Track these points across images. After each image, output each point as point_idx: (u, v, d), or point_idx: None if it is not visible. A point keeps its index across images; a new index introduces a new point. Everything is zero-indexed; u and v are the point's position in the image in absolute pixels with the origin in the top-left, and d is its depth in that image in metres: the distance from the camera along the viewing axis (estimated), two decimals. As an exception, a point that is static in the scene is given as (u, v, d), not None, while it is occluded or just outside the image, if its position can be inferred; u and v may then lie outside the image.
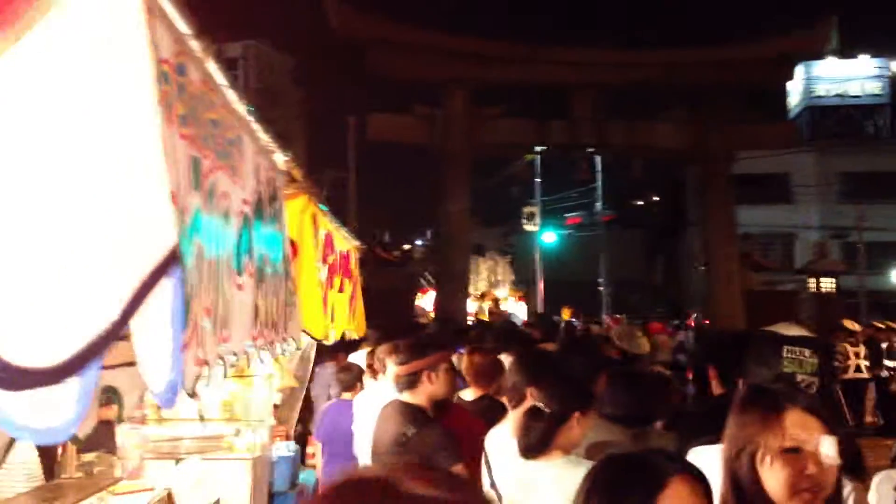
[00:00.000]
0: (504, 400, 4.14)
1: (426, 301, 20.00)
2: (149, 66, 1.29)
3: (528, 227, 29.11)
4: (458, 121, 15.24)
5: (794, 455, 1.71)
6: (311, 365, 6.65)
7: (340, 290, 5.73)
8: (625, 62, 15.84)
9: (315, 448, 6.70)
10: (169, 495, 3.92)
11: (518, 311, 24.42)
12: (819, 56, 35.61)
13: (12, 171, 0.95)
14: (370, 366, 6.17)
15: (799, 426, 1.73)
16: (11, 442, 1.04)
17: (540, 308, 27.41)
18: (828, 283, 20.58)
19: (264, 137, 2.60)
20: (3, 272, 0.92)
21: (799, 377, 2.61)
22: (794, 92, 40.12)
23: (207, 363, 1.72)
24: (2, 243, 0.92)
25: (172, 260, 1.29)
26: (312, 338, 4.64)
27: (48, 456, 3.42)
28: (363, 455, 4.57)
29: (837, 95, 40.22)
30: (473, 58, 15.12)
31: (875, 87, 40.11)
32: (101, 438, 3.84)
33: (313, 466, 6.57)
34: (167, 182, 1.34)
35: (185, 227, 1.52)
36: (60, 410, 0.99)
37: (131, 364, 1.33)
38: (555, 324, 16.64)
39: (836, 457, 1.70)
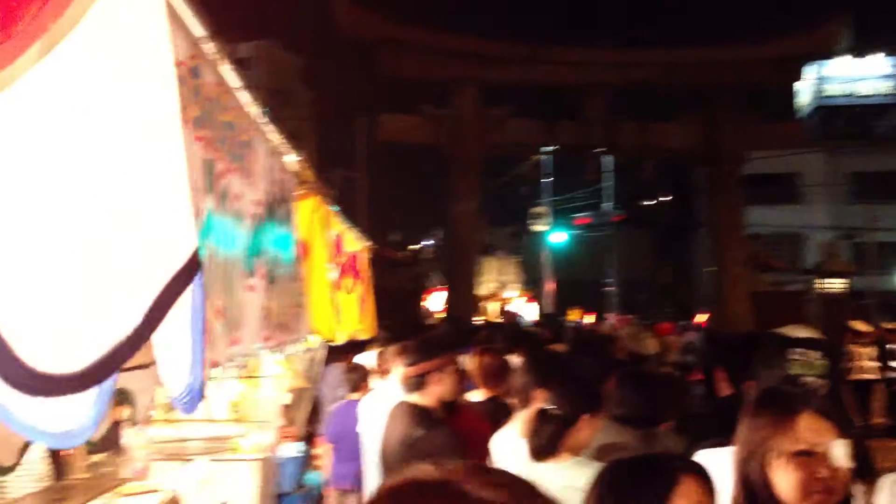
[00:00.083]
0: (511, 401, 4.15)
1: (433, 302, 20.01)
2: (172, 70, 1.30)
3: (537, 228, 29.07)
4: (466, 121, 15.24)
5: (805, 458, 1.71)
6: (322, 365, 6.66)
7: (350, 291, 5.74)
8: (634, 62, 15.82)
9: (323, 449, 6.71)
10: (175, 496, 3.93)
11: (529, 311, 24.41)
12: (830, 55, 35.47)
13: (41, 179, 0.96)
14: (380, 366, 6.17)
15: (811, 429, 1.73)
16: (26, 444, 1.05)
17: (549, 308, 27.38)
18: (837, 284, 20.49)
19: (277, 139, 2.61)
20: (28, 279, 0.92)
21: (806, 379, 2.60)
22: (805, 91, 39.97)
23: (218, 365, 1.72)
24: (28, 250, 0.93)
25: (193, 265, 1.30)
26: (322, 339, 4.65)
27: (56, 456, 3.43)
28: (370, 456, 4.57)
29: (848, 95, 40.06)
30: (482, 58, 15.13)
31: (886, 87, 39.94)
32: (109, 439, 3.85)
33: (320, 467, 6.58)
34: (188, 187, 1.35)
35: (198, 229, 1.53)
36: (78, 414, 1.00)
37: (143, 367, 1.34)
38: (561, 325, 16.62)
39: (848, 460, 1.70)
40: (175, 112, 1.32)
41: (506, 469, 0.99)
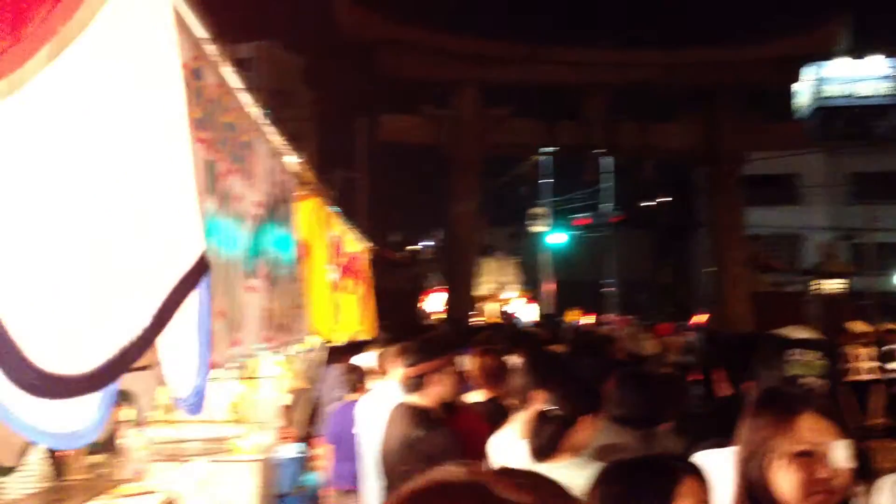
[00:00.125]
0: (510, 402, 4.14)
1: (432, 303, 20.00)
2: (179, 72, 1.31)
3: (537, 228, 29.07)
4: (467, 121, 15.24)
5: (807, 458, 1.71)
6: (321, 366, 6.65)
7: (350, 292, 5.74)
8: (634, 62, 15.82)
9: (322, 450, 6.71)
10: (174, 497, 3.92)
11: (528, 312, 24.41)
12: (829, 56, 35.49)
13: (51, 181, 0.96)
14: (380, 367, 6.16)
15: (812, 429, 1.73)
16: (27, 445, 1.05)
17: (549, 309, 27.38)
18: (836, 285, 20.50)
19: (277, 140, 2.61)
20: (37, 281, 0.93)
21: (805, 379, 2.60)
22: (804, 92, 39.97)
23: (220, 366, 1.72)
24: (37, 252, 0.93)
25: (201, 267, 1.31)
26: (321, 340, 4.65)
27: (55, 457, 3.43)
28: (368, 457, 4.56)
29: (847, 96, 40.07)
30: (482, 58, 15.13)
31: (886, 88, 39.94)
32: (108, 440, 3.85)
33: (318, 468, 6.57)
34: (194, 189, 1.35)
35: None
36: (82, 416, 1.00)
37: (145, 368, 1.34)
38: (559, 325, 16.62)
39: (849, 460, 1.70)
40: (182, 114, 1.32)
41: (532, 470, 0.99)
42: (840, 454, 1.70)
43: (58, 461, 3.45)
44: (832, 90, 40.21)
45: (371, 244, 7.55)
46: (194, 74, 1.60)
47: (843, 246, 31.13)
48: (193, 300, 1.31)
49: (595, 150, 17.12)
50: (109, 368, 1.02)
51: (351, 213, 7.11)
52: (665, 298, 43.62)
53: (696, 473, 1.62)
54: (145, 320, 1.13)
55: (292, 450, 5.54)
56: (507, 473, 0.89)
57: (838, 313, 17.81)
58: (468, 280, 16.02)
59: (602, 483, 1.64)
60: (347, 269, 5.58)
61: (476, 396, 4.85)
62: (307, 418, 6.79)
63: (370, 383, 6.10)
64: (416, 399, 3.96)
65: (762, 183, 30.73)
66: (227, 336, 1.87)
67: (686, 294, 41.06)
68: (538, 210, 29.07)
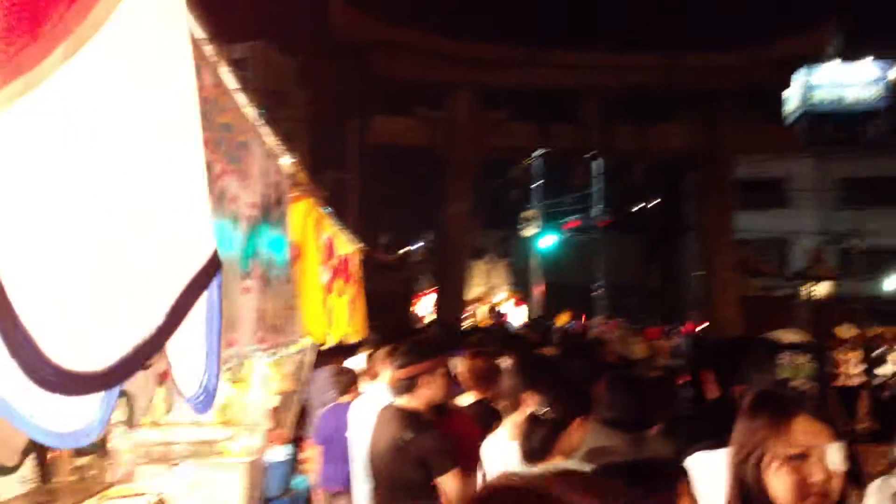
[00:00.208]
0: (500, 405, 4.14)
1: (423, 305, 19.99)
2: (192, 71, 1.30)
3: (527, 231, 29.10)
4: (461, 124, 15.25)
5: (800, 461, 1.71)
6: (310, 369, 6.64)
7: (341, 294, 5.73)
8: (626, 66, 15.87)
9: (310, 452, 6.69)
10: (162, 500, 3.90)
11: (518, 314, 24.43)
12: (819, 60, 35.70)
13: (66, 179, 0.97)
14: (369, 369, 6.16)
15: (806, 432, 1.73)
16: (27, 446, 1.04)
17: (538, 312, 27.40)
18: (824, 289, 20.60)
19: (272, 140, 2.60)
20: (54, 278, 0.93)
21: (796, 382, 2.61)
22: (793, 96, 40.18)
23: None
24: (52, 249, 0.93)
25: (213, 265, 1.31)
26: (313, 342, 4.63)
27: (42, 459, 3.40)
28: (358, 459, 4.55)
29: (836, 100, 40.29)
30: (477, 61, 15.14)
31: (874, 92, 40.17)
32: (98, 441, 3.82)
33: (307, 471, 6.56)
34: (205, 188, 1.35)
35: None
36: (85, 415, 1.01)
37: (143, 368, 1.34)
38: (549, 328, 16.64)
39: (843, 463, 1.70)
40: (195, 112, 1.32)
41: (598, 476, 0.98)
42: (834, 457, 1.70)
43: (44, 463, 3.42)
44: (821, 95, 40.43)
45: (362, 246, 7.54)
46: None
47: (831, 250, 31.31)
48: (204, 298, 1.31)
49: (590, 154, 17.16)
50: (124, 365, 1.03)
51: (342, 215, 7.10)
52: (654, 302, 43.76)
53: (687, 477, 1.63)
54: (159, 318, 1.14)
55: (282, 452, 5.52)
56: (569, 477, 0.88)
57: (826, 317, 17.90)
58: (459, 282, 16.01)
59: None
60: (339, 271, 5.57)
61: (466, 399, 4.86)
62: (295, 421, 6.77)
63: (362, 386, 6.09)
64: (406, 401, 3.96)
65: (751, 187, 30.86)
66: (224, 336, 1.87)
67: (675, 298, 41.22)
68: (529, 213, 29.10)
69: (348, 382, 6.12)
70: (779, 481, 1.72)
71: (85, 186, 0.99)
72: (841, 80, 40.22)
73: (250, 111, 2.24)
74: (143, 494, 3.84)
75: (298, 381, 6.23)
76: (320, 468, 5.89)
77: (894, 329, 16.23)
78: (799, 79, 35.70)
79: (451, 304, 15.46)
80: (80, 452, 3.64)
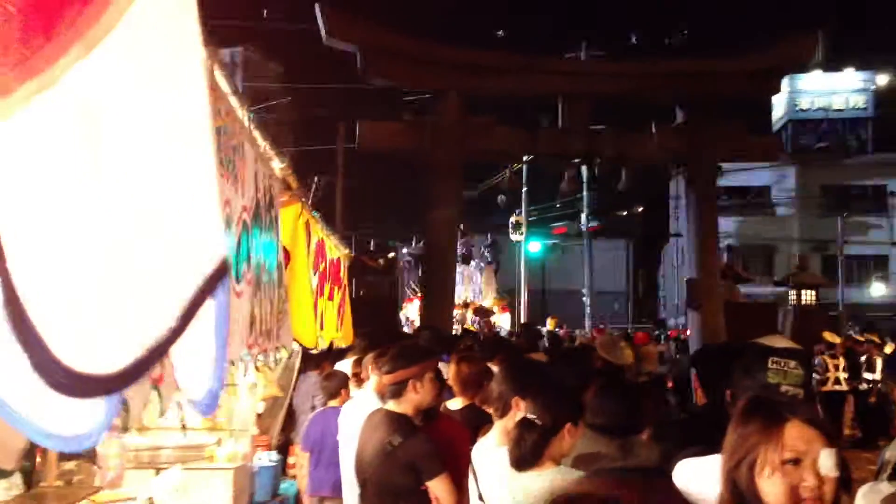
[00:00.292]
0: (489, 409, 4.14)
1: (411, 310, 19.98)
2: (202, 73, 1.30)
3: (515, 237, 29.14)
4: (448, 129, 15.23)
5: (794, 467, 1.72)
6: (296, 374, 6.62)
7: (330, 298, 5.72)
8: (614, 73, 15.94)
9: (297, 458, 6.66)
10: (150, 505, 3.88)
11: (502, 321, 24.45)
12: (804, 70, 35.98)
13: (79, 181, 0.97)
14: (356, 374, 6.15)
15: (799, 438, 1.74)
16: (27, 448, 1.04)
17: (523, 318, 27.43)
18: (808, 296, 20.74)
19: (263, 144, 2.60)
20: (67, 281, 0.93)
21: (783, 388, 2.63)
22: (778, 105, 40.48)
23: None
24: (66, 252, 0.94)
25: (222, 269, 1.30)
26: (302, 346, 4.62)
27: (30, 464, 3.37)
28: (347, 464, 4.54)
29: (821, 109, 40.60)
30: (464, 67, 15.14)
31: (859, 101, 40.51)
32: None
33: (294, 477, 6.53)
34: (218, 193, 1.35)
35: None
36: (88, 418, 1.01)
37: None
38: (538, 333, 16.65)
39: (836, 469, 1.71)
40: (206, 114, 1.32)
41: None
42: (827, 462, 1.71)
43: (32, 467, 3.40)
44: (806, 103, 40.74)
45: (349, 251, 7.54)
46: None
47: (815, 257, 31.55)
48: (212, 303, 1.30)
49: (575, 160, 17.20)
50: (134, 368, 1.03)
51: (329, 219, 7.09)
52: (639, 308, 43.95)
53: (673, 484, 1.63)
54: (169, 321, 1.13)
55: (268, 458, 5.50)
56: (632, 482, 0.88)
57: (810, 324, 18.01)
58: (446, 288, 16.00)
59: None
60: (328, 275, 5.56)
61: (454, 404, 4.85)
62: (282, 426, 6.75)
63: (350, 390, 6.08)
64: (394, 406, 3.95)
65: (736, 194, 31.08)
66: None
67: (660, 304, 41.37)
68: (516, 219, 29.15)
69: (336, 387, 6.09)
70: (772, 487, 1.73)
71: (97, 189, 0.99)
72: (826, 89, 40.54)
73: (243, 115, 2.24)
74: (130, 499, 3.82)
75: (283, 386, 6.21)
76: (309, 473, 5.87)
77: (878, 335, 16.36)
78: (784, 87, 35.95)
79: (439, 309, 15.43)
80: (66, 457, 3.62)
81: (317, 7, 14.20)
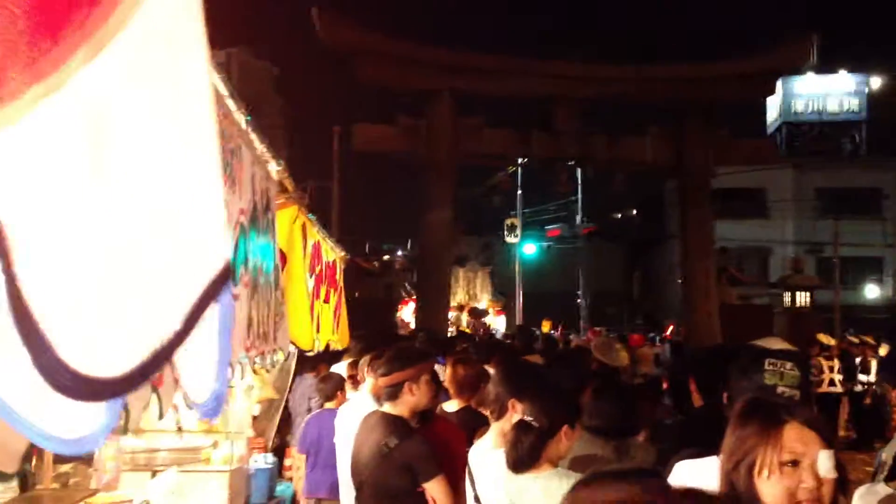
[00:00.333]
0: (485, 411, 4.14)
1: (407, 312, 19.97)
2: (207, 75, 1.31)
3: (509, 239, 29.17)
4: (442, 131, 15.25)
5: (792, 468, 1.73)
6: (291, 376, 6.61)
7: (326, 301, 5.72)
8: (606, 76, 15.95)
9: (293, 460, 6.65)
10: (146, 507, 3.87)
11: (497, 323, 24.45)
12: (797, 72, 36.07)
13: (86, 184, 0.97)
14: (352, 377, 6.15)
15: (798, 440, 1.75)
16: (28, 451, 1.04)
17: (518, 320, 27.45)
18: (803, 298, 20.78)
19: (260, 147, 2.60)
20: (73, 284, 0.93)
21: (780, 389, 2.63)
22: (772, 107, 40.57)
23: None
24: (72, 255, 0.94)
25: (227, 271, 1.31)
26: (299, 348, 4.62)
27: (24, 466, 3.36)
28: (343, 466, 4.54)
29: (815, 112, 40.70)
30: (458, 69, 15.16)
31: (853, 104, 40.60)
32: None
33: (290, 479, 6.52)
34: (222, 196, 1.35)
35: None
36: (91, 421, 1.01)
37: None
38: (534, 335, 16.66)
39: (834, 470, 1.72)
40: (210, 117, 1.32)
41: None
42: (825, 464, 1.72)
43: (29, 470, 3.39)
44: (800, 105, 40.83)
45: (345, 253, 7.53)
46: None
47: (810, 259, 31.61)
48: (216, 306, 1.30)
49: (569, 162, 17.21)
50: (140, 371, 1.03)
51: (325, 222, 7.10)
52: (634, 310, 43.97)
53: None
54: (175, 324, 1.13)
55: (264, 460, 5.49)
56: (675, 493, 0.87)
57: (805, 326, 18.05)
58: (442, 290, 16.00)
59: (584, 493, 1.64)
60: (324, 278, 5.56)
61: (450, 406, 4.85)
62: (277, 428, 6.74)
63: (346, 392, 6.07)
64: (390, 408, 3.95)
65: (731, 197, 31.13)
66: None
67: (655, 306, 41.43)
68: (511, 221, 29.17)
69: (333, 389, 6.09)
70: (770, 488, 1.73)
71: (103, 192, 0.99)
72: (820, 92, 40.64)
73: (240, 117, 2.24)
74: (126, 501, 3.81)
75: (278, 389, 6.21)
76: (305, 475, 5.87)
77: (873, 337, 16.40)
78: (778, 90, 36.04)
79: (434, 311, 15.44)
80: (63, 460, 3.61)
81: (311, 11, 14.21)
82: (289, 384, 6.67)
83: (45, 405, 0.89)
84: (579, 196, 31.61)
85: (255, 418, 5.82)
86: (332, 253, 6.30)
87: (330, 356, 7.21)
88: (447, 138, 15.26)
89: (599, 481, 1.61)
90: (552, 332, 22.53)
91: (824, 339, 14.62)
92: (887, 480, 2.89)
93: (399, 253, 28.41)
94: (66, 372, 0.88)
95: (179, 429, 4.82)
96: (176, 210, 1.17)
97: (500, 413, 3.51)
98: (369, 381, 5.01)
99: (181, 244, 1.18)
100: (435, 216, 15.38)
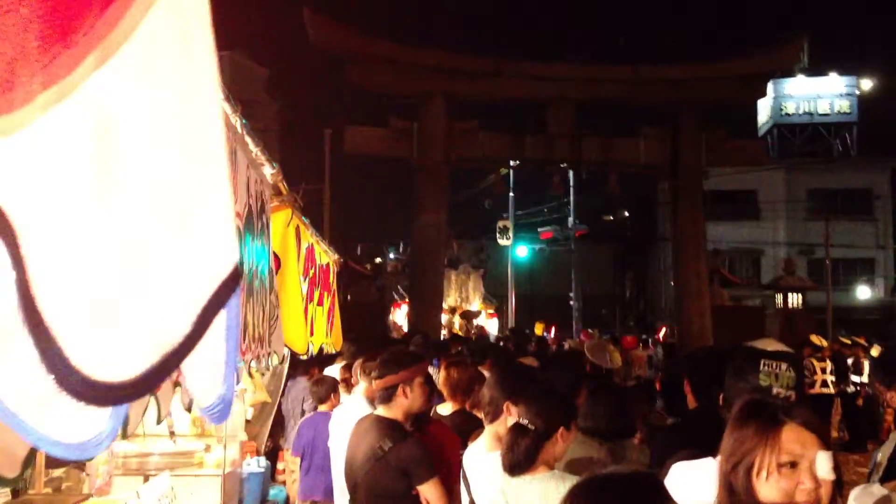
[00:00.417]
0: (479, 414, 4.14)
1: (399, 315, 19.95)
2: (216, 77, 1.30)
3: (502, 242, 29.16)
4: (434, 134, 15.26)
5: (791, 469, 1.72)
6: (284, 379, 6.59)
7: (320, 304, 5.70)
8: (599, 78, 15.98)
9: (286, 463, 6.63)
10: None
11: (490, 326, 24.45)
12: (789, 74, 36.25)
13: (97, 187, 0.97)
14: (346, 380, 6.13)
15: (796, 441, 1.74)
16: (29, 455, 1.03)
17: (511, 322, 27.45)
18: (795, 299, 20.85)
19: (255, 150, 2.59)
20: (84, 288, 0.93)
21: (775, 390, 2.63)
22: (764, 109, 40.74)
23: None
24: (83, 258, 0.94)
25: (236, 275, 1.30)
26: (293, 352, 4.60)
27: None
28: (337, 469, 4.52)
29: (806, 113, 40.89)
30: (450, 72, 15.17)
31: (843, 106, 40.80)
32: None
33: (284, 482, 6.50)
34: (231, 198, 1.35)
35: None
36: (95, 425, 1.00)
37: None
38: (527, 337, 16.67)
39: (832, 471, 1.71)
40: (219, 120, 1.32)
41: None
42: (824, 465, 1.71)
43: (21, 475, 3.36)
44: (791, 107, 41.02)
45: (338, 256, 7.52)
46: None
47: (801, 261, 31.75)
48: (224, 309, 1.30)
49: (561, 164, 17.23)
50: (152, 375, 1.03)
51: (317, 225, 7.09)
52: (626, 312, 44.08)
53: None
54: (185, 329, 1.13)
55: (256, 464, 5.47)
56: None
57: (797, 327, 18.11)
58: (435, 293, 16.00)
59: (579, 497, 1.63)
60: (317, 281, 5.55)
61: (444, 409, 4.84)
62: (270, 432, 6.72)
63: (339, 396, 6.06)
64: (384, 411, 3.94)
65: (723, 198, 31.25)
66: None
67: (647, 308, 41.55)
68: (503, 223, 29.16)
69: (326, 392, 6.08)
70: (769, 490, 1.73)
71: (112, 196, 0.99)
72: (811, 94, 40.83)
73: (235, 120, 2.23)
74: (118, 506, 3.79)
75: (271, 392, 6.19)
76: (300, 478, 5.85)
77: (864, 338, 16.45)
78: (769, 92, 36.19)
79: (427, 313, 15.43)
80: (55, 464, 3.58)
81: (304, 15, 14.21)
82: (282, 387, 6.65)
83: (50, 410, 0.89)
84: (571, 198, 31.64)
85: (248, 422, 5.80)
86: (326, 256, 6.28)
87: (322, 359, 7.20)
88: (440, 141, 15.27)
89: (597, 485, 1.60)
90: (545, 334, 22.55)
91: (816, 340, 14.65)
92: (883, 481, 2.89)
93: (391, 256, 28.37)
94: (78, 376, 0.88)
95: (172, 433, 4.80)
96: (186, 213, 1.17)
97: (495, 416, 3.51)
98: (363, 385, 5.00)
99: (191, 248, 1.18)
100: (427, 219, 15.38)
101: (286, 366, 6.06)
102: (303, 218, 4.49)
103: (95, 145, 0.95)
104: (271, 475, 6.21)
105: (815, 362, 13.69)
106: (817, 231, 31.88)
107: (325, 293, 6.09)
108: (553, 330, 25.79)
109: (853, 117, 40.86)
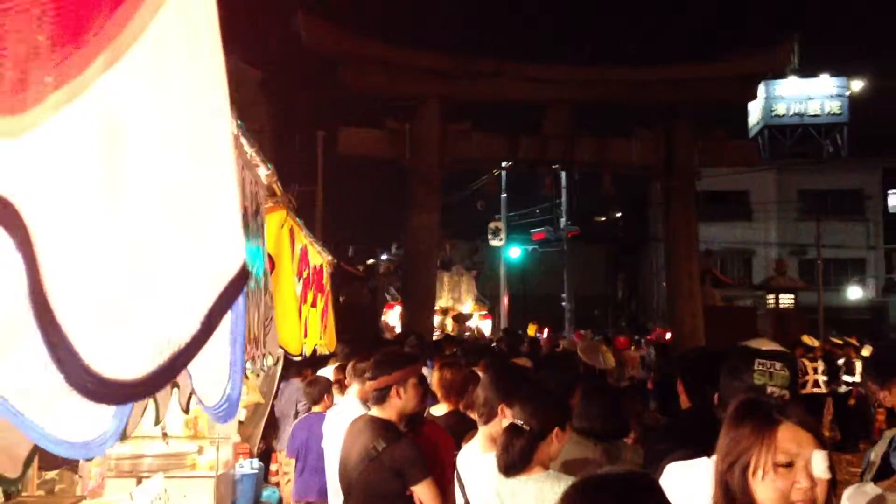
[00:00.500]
0: (473, 415, 4.14)
1: (392, 316, 19.94)
2: (223, 77, 1.30)
3: (494, 243, 29.18)
4: (428, 135, 15.24)
5: (786, 469, 1.73)
6: (277, 381, 6.59)
7: (314, 305, 5.70)
8: (592, 79, 15.99)
9: (279, 465, 6.62)
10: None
11: (482, 327, 24.46)
12: (780, 75, 36.37)
13: (108, 186, 0.97)
14: (339, 381, 6.13)
15: (792, 440, 1.75)
16: (30, 455, 1.02)
17: (504, 323, 27.46)
18: (786, 299, 20.91)
19: (249, 151, 2.59)
20: (95, 286, 0.94)
21: (769, 389, 2.65)
22: (754, 111, 40.88)
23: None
24: (95, 257, 0.94)
25: (244, 273, 1.30)
26: (288, 353, 4.60)
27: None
28: (331, 470, 4.52)
29: (797, 114, 41.04)
30: (444, 74, 15.16)
31: (834, 107, 40.96)
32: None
33: (277, 484, 6.49)
34: (238, 197, 1.35)
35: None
36: (99, 424, 1.00)
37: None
38: (520, 338, 16.68)
39: (828, 471, 1.72)
40: (227, 119, 1.32)
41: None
42: (819, 464, 1.72)
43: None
44: (782, 108, 41.16)
45: (331, 257, 7.51)
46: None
47: (793, 261, 31.85)
48: (230, 309, 1.30)
49: (555, 165, 17.24)
50: (161, 373, 1.03)
51: (310, 227, 7.08)
52: (619, 312, 44.15)
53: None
54: (195, 326, 1.13)
55: (249, 465, 5.46)
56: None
57: (788, 327, 18.16)
58: (428, 294, 15.99)
59: (575, 498, 1.63)
60: (311, 282, 5.54)
61: (438, 410, 4.84)
62: (263, 433, 6.71)
63: (333, 397, 6.06)
64: (378, 412, 3.94)
65: (715, 199, 31.33)
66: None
67: (639, 308, 41.64)
68: (495, 224, 29.17)
69: (320, 393, 6.08)
70: (765, 489, 1.73)
71: (122, 196, 0.99)
72: (801, 95, 40.98)
73: (231, 122, 2.23)
74: (112, 509, 3.77)
75: (264, 394, 6.18)
76: (294, 479, 5.84)
77: (856, 338, 16.52)
78: (760, 93, 36.30)
79: (419, 315, 15.42)
80: (48, 466, 3.57)
81: (296, 16, 14.18)
82: (275, 389, 6.64)
83: (55, 409, 0.89)
84: (563, 199, 31.69)
85: (241, 423, 5.80)
86: (319, 257, 6.28)
87: (315, 360, 7.19)
88: (433, 143, 15.26)
89: (593, 485, 1.60)
90: (538, 335, 22.57)
91: (808, 340, 14.70)
92: (875, 480, 2.90)
93: (384, 257, 28.35)
94: (89, 373, 0.88)
95: (165, 435, 4.79)
96: (194, 213, 1.17)
97: (489, 417, 3.51)
98: (356, 386, 5.00)
99: (200, 247, 1.18)
100: (420, 220, 15.37)
101: (279, 367, 6.06)
102: (297, 219, 4.48)
103: (105, 145, 0.95)
104: (264, 477, 6.20)
105: (807, 362, 13.74)
106: (808, 231, 31.99)
107: (319, 294, 6.09)
108: (546, 331, 25.79)
109: (844, 118, 41.02)
